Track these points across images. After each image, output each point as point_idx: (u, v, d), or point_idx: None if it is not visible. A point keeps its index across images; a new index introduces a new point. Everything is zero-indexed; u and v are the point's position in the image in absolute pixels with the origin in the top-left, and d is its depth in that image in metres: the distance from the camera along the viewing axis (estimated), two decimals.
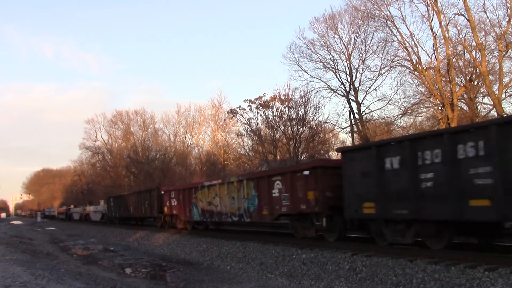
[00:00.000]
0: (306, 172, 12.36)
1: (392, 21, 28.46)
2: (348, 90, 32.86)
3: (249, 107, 35.70)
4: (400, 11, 29.05)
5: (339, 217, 11.86)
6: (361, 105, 32.47)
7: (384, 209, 10.12)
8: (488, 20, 25.55)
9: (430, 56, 28.98)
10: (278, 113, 34.38)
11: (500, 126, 7.91)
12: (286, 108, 34.23)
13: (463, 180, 8.39)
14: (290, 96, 34.33)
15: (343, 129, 34.14)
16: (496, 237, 9.97)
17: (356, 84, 32.60)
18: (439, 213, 8.92)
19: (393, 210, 9.91)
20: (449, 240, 9.65)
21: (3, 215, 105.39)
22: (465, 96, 29.21)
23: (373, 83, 32.12)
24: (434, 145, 9.00)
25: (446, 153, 8.71)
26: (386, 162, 10.05)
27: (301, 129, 33.61)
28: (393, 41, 29.24)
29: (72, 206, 62.25)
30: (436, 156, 8.95)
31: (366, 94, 32.55)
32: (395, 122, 32.57)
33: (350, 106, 32.54)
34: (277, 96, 34.65)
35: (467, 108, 29.70)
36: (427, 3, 27.08)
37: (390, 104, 31.40)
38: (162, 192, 23.74)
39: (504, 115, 24.79)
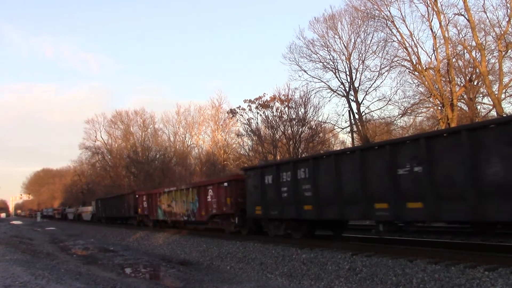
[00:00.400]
0: (226, 184, 16.50)
1: (392, 21, 28.51)
2: (348, 90, 32.89)
3: (249, 107, 35.73)
4: (400, 11, 29.14)
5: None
6: (361, 105, 32.52)
7: (266, 211, 14.09)
8: (488, 20, 25.59)
9: (430, 56, 29.06)
10: (278, 113, 34.41)
11: (314, 159, 12.18)
12: (286, 108, 34.26)
13: (300, 193, 12.52)
14: (290, 96, 34.38)
15: (343, 129, 34.22)
16: (341, 230, 14.14)
17: (356, 84, 32.65)
18: (291, 214, 12.96)
19: (270, 212, 13.91)
20: (306, 232, 13.66)
21: (3, 215, 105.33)
22: (465, 96, 29.23)
23: (373, 83, 32.18)
24: (287, 169, 13.11)
25: (292, 175, 12.85)
26: (266, 179, 14.09)
27: (301, 129, 33.63)
28: (393, 41, 29.30)
29: (67, 206, 66.89)
30: (288, 176, 13.03)
31: (366, 94, 32.60)
32: (395, 122, 32.61)
33: (350, 106, 32.56)
34: (277, 96, 34.68)
35: (467, 108, 29.72)
36: (427, 3, 27.13)
37: (390, 104, 31.46)
38: (137, 196, 27.29)
39: (504, 115, 24.80)
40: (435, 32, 27.41)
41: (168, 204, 22.23)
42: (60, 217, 66.07)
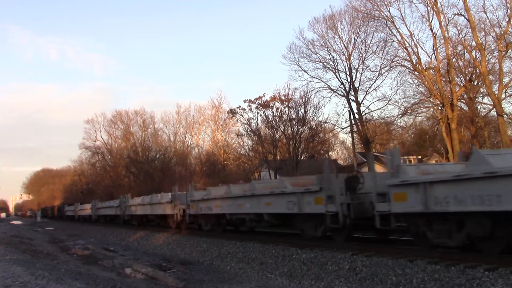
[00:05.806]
0: None
1: (392, 21, 28.54)
2: (348, 90, 32.90)
3: (249, 107, 35.69)
4: (400, 12, 29.11)
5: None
6: (361, 105, 32.54)
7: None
8: (488, 20, 25.62)
9: (430, 56, 29.04)
10: (278, 113, 34.38)
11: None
12: (286, 108, 34.25)
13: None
14: (290, 96, 34.38)
15: (343, 129, 34.24)
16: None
17: (356, 84, 32.66)
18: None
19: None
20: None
21: (3, 215, 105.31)
22: (465, 96, 29.25)
23: (373, 83, 32.21)
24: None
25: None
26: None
27: (301, 129, 33.63)
28: (393, 41, 29.34)
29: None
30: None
31: (366, 94, 32.63)
32: (395, 122, 32.64)
33: (350, 106, 32.56)
34: (277, 96, 34.65)
35: (467, 108, 29.74)
36: (427, 3, 27.15)
37: (390, 104, 31.50)
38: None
39: (504, 115, 24.81)
40: (435, 32, 27.46)
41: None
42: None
